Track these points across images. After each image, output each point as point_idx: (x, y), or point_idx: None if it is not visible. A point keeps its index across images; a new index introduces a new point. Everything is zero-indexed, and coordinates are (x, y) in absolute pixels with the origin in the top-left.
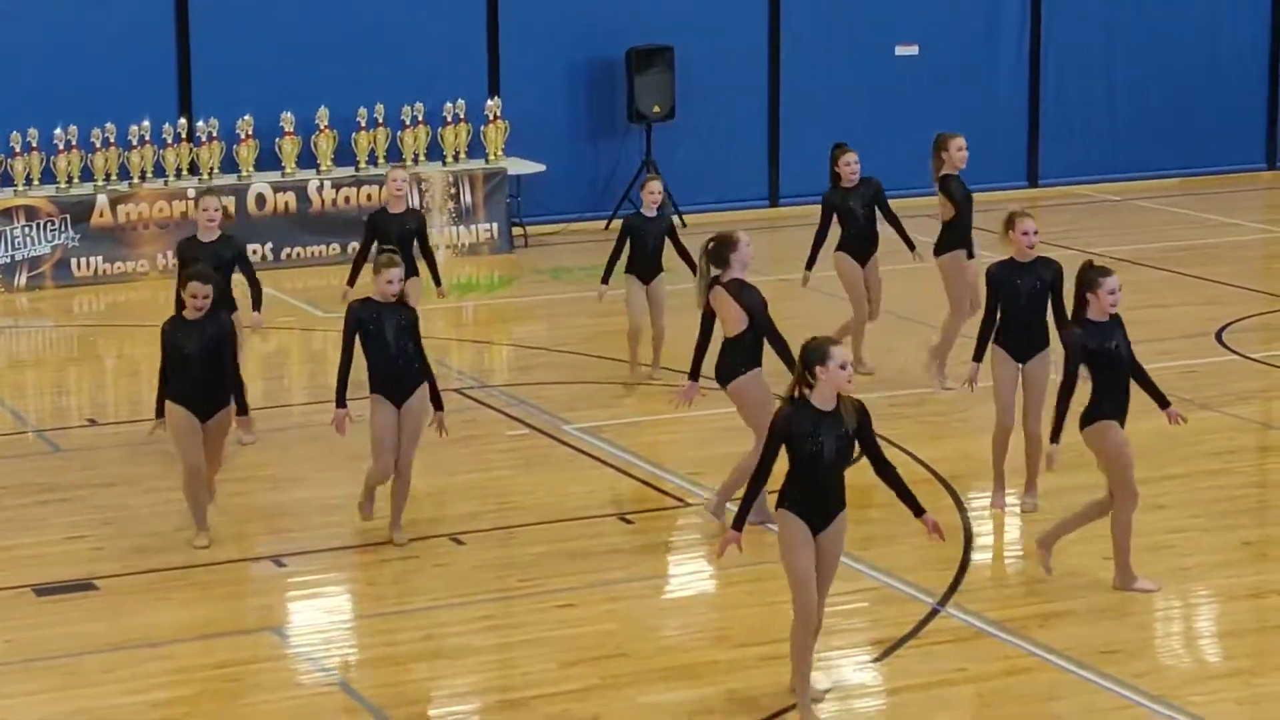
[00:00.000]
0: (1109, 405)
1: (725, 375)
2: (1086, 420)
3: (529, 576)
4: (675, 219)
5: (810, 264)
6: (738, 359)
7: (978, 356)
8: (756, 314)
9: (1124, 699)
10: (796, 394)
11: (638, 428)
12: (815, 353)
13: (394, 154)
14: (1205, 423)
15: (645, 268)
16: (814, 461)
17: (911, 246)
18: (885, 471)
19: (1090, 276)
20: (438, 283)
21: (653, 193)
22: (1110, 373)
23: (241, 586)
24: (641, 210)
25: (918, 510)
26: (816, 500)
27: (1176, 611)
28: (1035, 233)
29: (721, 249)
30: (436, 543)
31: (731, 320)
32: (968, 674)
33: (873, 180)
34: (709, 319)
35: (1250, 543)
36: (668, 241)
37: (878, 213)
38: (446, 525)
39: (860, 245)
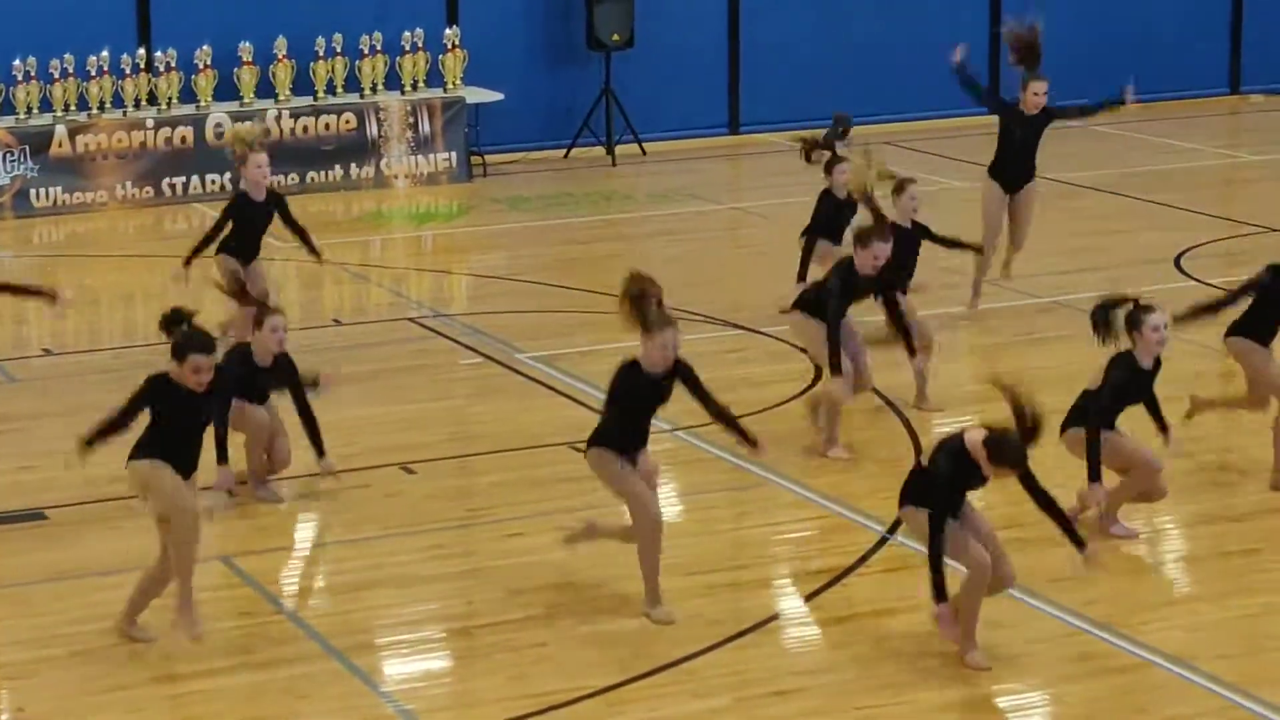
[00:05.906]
0: None
1: None
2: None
3: (479, 506)
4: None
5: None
6: None
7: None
8: None
9: (1070, 625)
10: None
11: (591, 356)
12: None
13: (352, 83)
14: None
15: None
16: None
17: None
18: None
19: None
20: (315, 252)
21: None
22: None
23: None
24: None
25: None
26: None
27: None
28: None
29: None
30: (387, 472)
31: None
32: (914, 602)
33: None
34: None
35: (1205, 468)
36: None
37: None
38: (398, 454)
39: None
